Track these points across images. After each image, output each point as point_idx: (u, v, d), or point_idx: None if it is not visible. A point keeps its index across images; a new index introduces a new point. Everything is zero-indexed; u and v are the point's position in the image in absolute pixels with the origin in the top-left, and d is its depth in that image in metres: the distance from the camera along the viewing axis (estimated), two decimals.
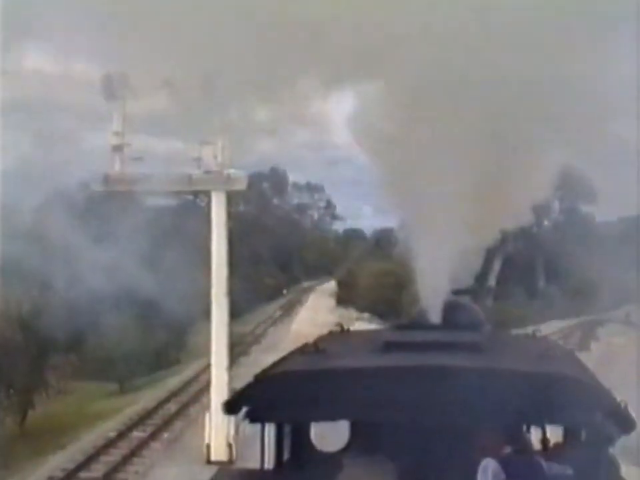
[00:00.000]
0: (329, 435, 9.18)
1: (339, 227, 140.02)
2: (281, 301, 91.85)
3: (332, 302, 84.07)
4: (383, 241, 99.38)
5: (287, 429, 8.72)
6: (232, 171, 24.81)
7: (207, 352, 53.90)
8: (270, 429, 8.28)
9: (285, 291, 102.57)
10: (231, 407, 8.09)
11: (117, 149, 25.07)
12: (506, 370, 7.73)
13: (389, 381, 7.55)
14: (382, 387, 7.47)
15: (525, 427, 9.07)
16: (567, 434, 8.82)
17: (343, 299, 79.21)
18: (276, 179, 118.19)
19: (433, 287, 10.43)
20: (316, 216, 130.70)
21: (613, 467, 8.17)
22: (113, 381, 43.73)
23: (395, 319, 65.09)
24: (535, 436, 9.35)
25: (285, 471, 8.64)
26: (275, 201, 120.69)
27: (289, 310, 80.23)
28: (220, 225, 25.03)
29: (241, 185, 25.78)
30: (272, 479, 8.51)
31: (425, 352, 8.02)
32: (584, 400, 7.36)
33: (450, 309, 10.24)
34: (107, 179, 25.03)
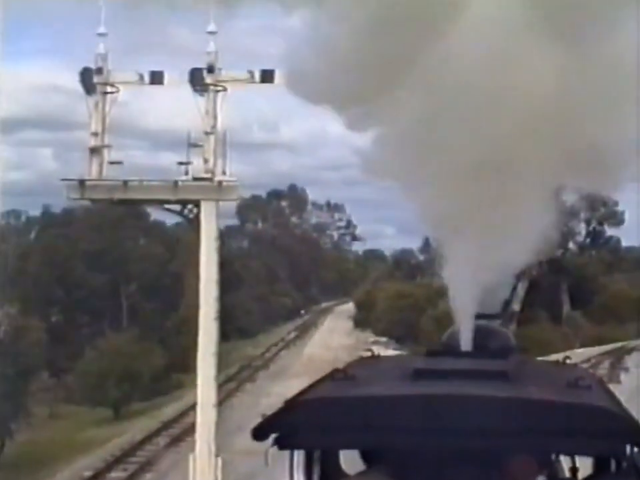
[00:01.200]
0: (358, 460, 8.52)
1: (359, 247, 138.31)
2: (298, 322, 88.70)
3: (349, 324, 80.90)
4: (402, 263, 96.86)
5: (316, 455, 8.22)
6: (224, 178, 21.48)
7: (220, 374, 52.43)
8: (299, 456, 7.78)
9: (302, 312, 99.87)
10: (259, 434, 7.37)
11: (95, 151, 21.84)
12: (533, 400, 7.39)
13: (417, 409, 7.27)
14: (410, 415, 7.22)
15: (554, 456, 8.53)
16: (596, 464, 8.44)
17: (361, 321, 75.88)
18: (294, 196, 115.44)
19: (463, 310, 10.00)
20: (335, 236, 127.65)
21: None
22: (106, 406, 40.73)
23: (413, 343, 62.74)
24: (564, 465, 8.80)
25: None
26: (294, 219, 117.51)
27: (304, 332, 77.03)
28: (209, 238, 21.69)
29: (234, 195, 22.38)
30: None
31: (454, 380, 7.73)
32: (612, 430, 7.04)
33: (481, 335, 9.96)
34: (82, 186, 21.76)
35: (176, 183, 21.43)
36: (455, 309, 10.27)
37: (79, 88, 21.97)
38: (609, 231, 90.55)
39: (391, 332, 67.61)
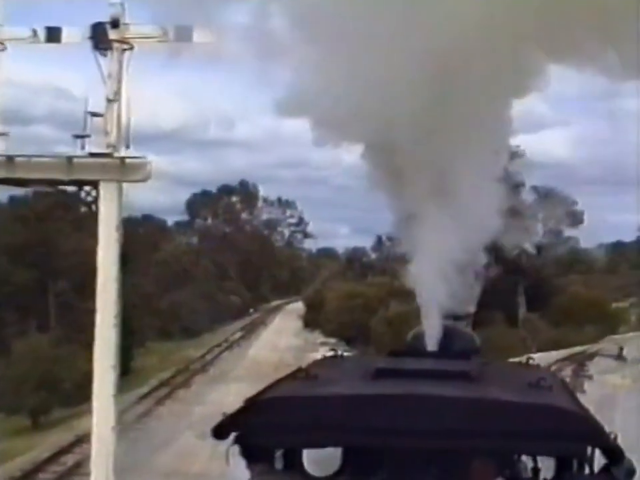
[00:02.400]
0: (320, 460, 8.56)
1: (312, 245, 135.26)
2: (246, 321, 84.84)
3: (299, 324, 77.39)
4: (354, 262, 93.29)
5: (278, 454, 8.20)
6: (129, 154, 17.52)
7: (153, 378, 48.41)
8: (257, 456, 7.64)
9: (251, 310, 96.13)
10: (219, 432, 7.37)
11: None
12: (494, 400, 7.43)
13: (378, 409, 7.27)
14: (371, 414, 7.21)
15: (516, 457, 8.49)
16: (558, 465, 8.07)
17: (310, 321, 72.23)
18: (245, 192, 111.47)
19: (429, 311, 10.47)
20: (287, 233, 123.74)
21: None
22: (23, 414, 36.69)
23: (364, 345, 59.33)
24: (526, 465, 8.69)
25: None
26: (245, 215, 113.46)
27: (251, 331, 73.27)
28: (109, 227, 17.58)
29: (140, 174, 18.42)
30: None
31: (415, 380, 7.81)
32: (573, 431, 7.12)
33: (445, 336, 10.40)
34: None
35: (70, 159, 17.35)
36: (422, 309, 10.59)
37: None
38: (567, 232, 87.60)
39: (341, 333, 64.15)
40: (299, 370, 8.29)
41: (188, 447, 28.78)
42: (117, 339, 19.73)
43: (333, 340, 63.44)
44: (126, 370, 47.69)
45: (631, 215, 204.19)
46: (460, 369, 8.30)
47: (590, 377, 39.32)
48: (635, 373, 43.13)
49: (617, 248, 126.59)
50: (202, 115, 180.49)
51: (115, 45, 17.73)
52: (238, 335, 69.54)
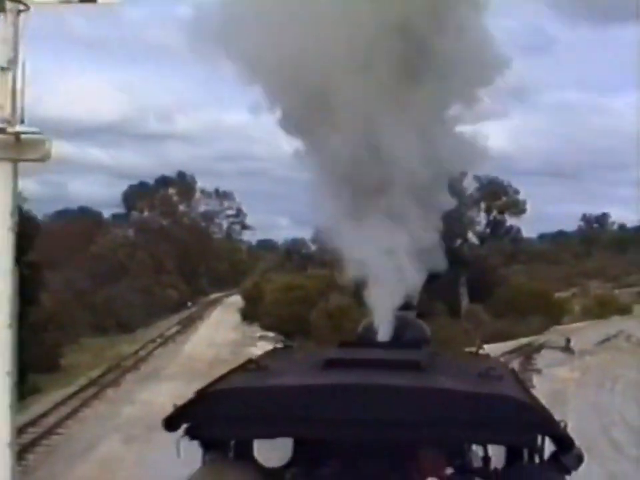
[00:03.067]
0: (271, 451, 8.63)
1: (251, 237, 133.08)
2: (183, 315, 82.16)
3: (238, 317, 74.77)
4: (293, 253, 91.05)
5: (229, 445, 8.34)
6: (25, 129, 15.14)
7: (83, 376, 45.68)
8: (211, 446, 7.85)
9: (189, 304, 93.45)
10: (170, 424, 7.37)
11: None
12: (445, 390, 7.39)
13: (328, 399, 7.26)
14: (322, 405, 7.22)
15: (466, 446, 8.67)
16: (508, 454, 8.30)
17: (248, 314, 69.81)
18: (183, 184, 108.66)
19: (381, 301, 10.36)
20: (225, 225, 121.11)
21: None
22: None
23: (303, 339, 57.25)
24: (476, 455, 8.85)
25: None
26: (182, 207, 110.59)
27: (188, 326, 70.58)
28: (3, 213, 15.36)
29: (39, 153, 16.08)
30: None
31: (365, 370, 7.83)
32: (523, 420, 7.05)
33: (396, 326, 10.37)
34: None
35: None
36: (373, 299, 10.45)
37: None
38: (510, 221, 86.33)
39: (280, 326, 61.82)
40: (250, 361, 8.28)
41: (112, 453, 26.39)
42: (13, 341, 17.34)
43: (271, 334, 61.28)
44: (54, 368, 45.38)
45: (571, 206, 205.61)
46: (410, 359, 8.20)
47: (538, 371, 37.59)
48: (583, 365, 41.52)
49: (559, 238, 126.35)
50: (142, 108, 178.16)
51: (9, 5, 15.46)
52: (174, 329, 66.84)
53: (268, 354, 9.79)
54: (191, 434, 7.35)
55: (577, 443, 7.54)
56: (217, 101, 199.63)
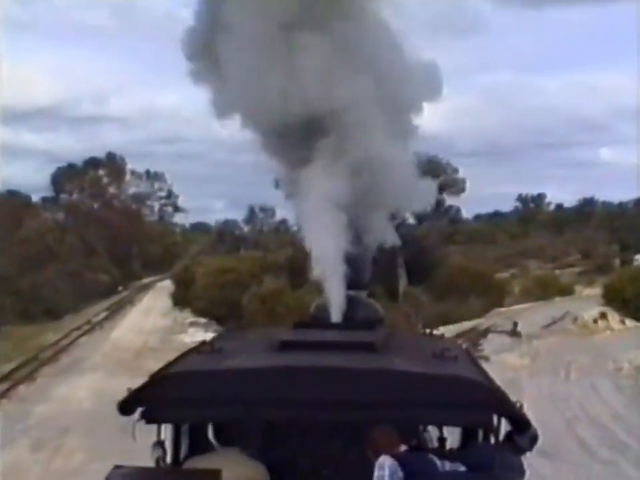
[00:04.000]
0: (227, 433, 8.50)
1: (185, 220, 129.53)
2: (114, 300, 78.34)
3: (170, 302, 71.08)
4: (226, 235, 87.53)
5: (184, 428, 8.38)
6: None
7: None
8: (166, 429, 7.87)
9: (120, 288, 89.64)
10: (125, 407, 7.36)
11: None
12: (399, 371, 7.36)
13: (283, 381, 7.20)
14: (277, 387, 7.16)
15: (422, 427, 8.68)
16: (464, 434, 8.37)
17: (180, 299, 66.20)
18: (113, 165, 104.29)
19: (332, 282, 10.26)
20: (157, 206, 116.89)
21: (513, 470, 7.61)
22: None
23: (236, 325, 54.09)
24: (432, 436, 8.92)
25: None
26: (112, 189, 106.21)
27: (117, 311, 66.91)
28: None
29: None
30: (168, 476, 7.95)
31: (320, 352, 7.80)
32: (478, 401, 7.06)
33: (349, 306, 10.36)
34: None
35: None
36: (323, 280, 10.68)
37: None
38: (449, 200, 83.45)
39: (212, 311, 58.49)
40: (204, 343, 8.41)
41: (17, 461, 22.86)
42: None
43: (203, 319, 57.91)
44: None
45: (507, 186, 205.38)
46: (365, 341, 8.06)
47: (487, 358, 34.57)
48: (532, 350, 38.74)
49: (495, 218, 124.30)
50: (76, 90, 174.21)
51: None
52: (102, 315, 63.10)
53: (222, 335, 10.07)
54: (146, 417, 7.16)
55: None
56: (152, 83, 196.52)
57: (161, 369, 7.67)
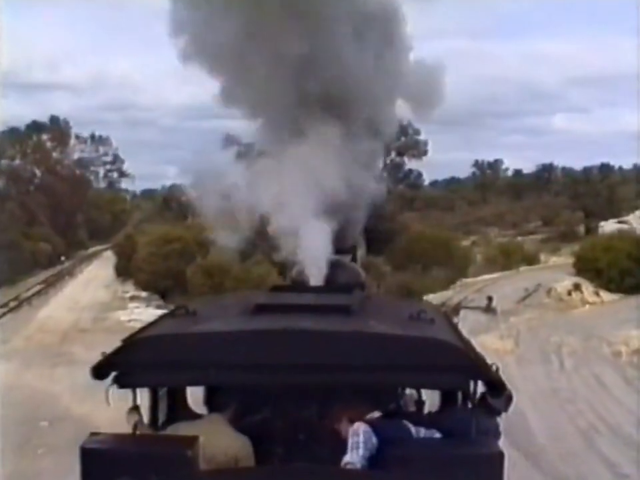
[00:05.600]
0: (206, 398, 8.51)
1: (136, 186, 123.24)
2: (54, 271, 72.07)
3: (113, 273, 64.99)
4: (172, 201, 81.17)
5: (161, 392, 8.32)
6: None
7: None
8: (142, 394, 7.69)
9: (63, 258, 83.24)
10: (98, 372, 7.07)
11: None
12: (375, 333, 7.12)
13: (257, 344, 6.95)
14: (250, 350, 6.89)
15: (400, 390, 8.65)
16: (442, 398, 8.35)
17: (122, 270, 60.20)
18: (57, 129, 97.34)
19: (311, 245, 10.18)
20: (102, 172, 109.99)
21: (489, 433, 7.39)
22: None
23: (181, 299, 48.57)
24: (411, 398, 8.83)
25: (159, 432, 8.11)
26: (56, 154, 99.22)
27: (54, 284, 60.71)
28: None
29: None
30: (144, 442, 7.46)
31: (295, 315, 7.57)
32: (455, 364, 6.78)
33: (329, 270, 10.25)
34: None
35: None
36: (303, 243, 10.26)
37: None
38: (409, 164, 77.59)
39: (155, 284, 52.60)
40: (178, 307, 8.00)
41: None
42: None
43: (144, 293, 52.00)
44: None
45: (462, 153, 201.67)
46: (340, 303, 7.95)
47: None
48: (512, 330, 33.41)
49: (452, 184, 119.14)
50: (25, 57, 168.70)
51: None
52: (36, 289, 56.82)
53: (199, 300, 10.63)
54: (119, 382, 6.96)
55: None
56: (103, 50, 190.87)
57: (135, 333, 7.37)
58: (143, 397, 7.70)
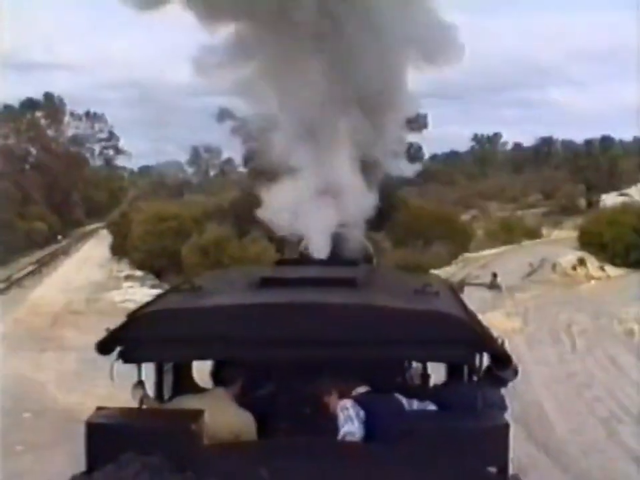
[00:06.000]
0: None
1: (134, 163, 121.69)
2: (50, 250, 70.57)
3: (109, 252, 63.46)
4: (168, 178, 79.69)
5: (166, 367, 8.20)
6: None
7: None
8: (148, 369, 7.60)
9: (59, 237, 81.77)
10: (103, 348, 7.00)
11: None
12: (380, 306, 6.96)
13: (263, 318, 6.86)
14: (256, 324, 6.80)
15: (406, 364, 8.62)
16: (448, 371, 8.15)
17: (117, 249, 58.71)
18: (51, 107, 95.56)
19: (317, 218, 10.10)
20: (97, 150, 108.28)
21: (495, 406, 7.41)
22: None
23: (176, 278, 47.08)
24: (417, 372, 8.85)
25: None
26: (51, 132, 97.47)
27: (48, 264, 59.23)
28: None
29: None
30: (148, 416, 7.46)
31: (300, 288, 7.48)
32: (460, 337, 6.64)
33: (337, 244, 10.20)
34: None
35: None
36: (309, 217, 10.10)
37: None
38: (409, 138, 76.13)
39: (151, 263, 51.16)
40: (184, 282, 7.92)
41: None
42: None
43: (139, 272, 50.54)
44: None
45: (460, 127, 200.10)
46: (346, 276, 7.81)
47: None
48: (520, 308, 31.97)
49: (451, 158, 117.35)
50: (26, 37, 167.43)
51: None
52: (29, 269, 55.34)
53: (204, 275, 9.62)
54: (123, 357, 6.86)
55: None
56: (102, 29, 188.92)
57: (139, 308, 7.30)
58: (149, 372, 7.59)
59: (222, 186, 60.39)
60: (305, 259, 9.96)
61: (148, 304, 7.43)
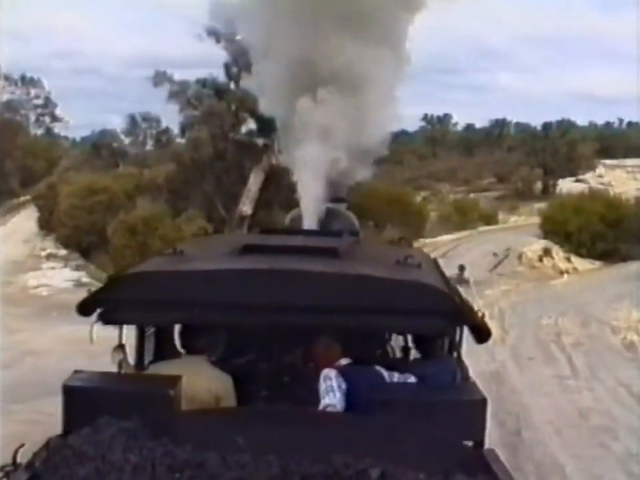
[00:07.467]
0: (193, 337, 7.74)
1: (69, 132, 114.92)
2: None
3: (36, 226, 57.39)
4: (102, 147, 73.58)
5: (148, 332, 8.11)
6: None
7: None
8: (128, 331, 7.42)
9: None
10: (84, 309, 6.77)
11: None
12: (360, 275, 6.74)
13: (243, 284, 6.62)
14: (236, 290, 6.54)
15: (387, 335, 8.50)
16: (427, 343, 7.71)
17: (45, 224, 52.78)
18: None
19: (307, 192, 10.18)
20: (33, 116, 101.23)
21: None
22: None
23: (103, 257, 41.75)
24: (395, 345, 8.59)
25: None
26: None
27: None
28: None
29: None
30: (126, 381, 7.26)
31: (282, 256, 7.25)
32: (440, 309, 6.41)
33: (324, 217, 10.43)
34: None
35: None
36: (300, 190, 10.73)
37: None
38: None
39: (78, 240, 45.53)
40: (166, 248, 7.83)
41: None
42: None
43: (63, 251, 44.84)
44: None
45: (409, 107, 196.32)
46: (328, 245, 7.70)
47: None
48: (494, 309, 27.18)
49: (401, 138, 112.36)
50: None
51: None
52: None
53: (187, 240, 9.54)
54: (103, 319, 6.67)
55: None
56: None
57: (120, 270, 7.40)
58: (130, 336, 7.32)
59: (158, 158, 54.62)
60: (289, 229, 10.04)
61: (129, 267, 7.15)
